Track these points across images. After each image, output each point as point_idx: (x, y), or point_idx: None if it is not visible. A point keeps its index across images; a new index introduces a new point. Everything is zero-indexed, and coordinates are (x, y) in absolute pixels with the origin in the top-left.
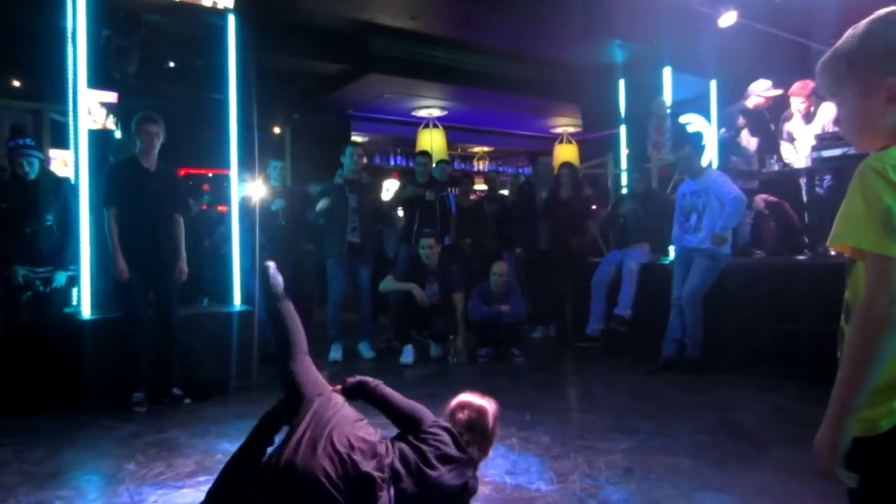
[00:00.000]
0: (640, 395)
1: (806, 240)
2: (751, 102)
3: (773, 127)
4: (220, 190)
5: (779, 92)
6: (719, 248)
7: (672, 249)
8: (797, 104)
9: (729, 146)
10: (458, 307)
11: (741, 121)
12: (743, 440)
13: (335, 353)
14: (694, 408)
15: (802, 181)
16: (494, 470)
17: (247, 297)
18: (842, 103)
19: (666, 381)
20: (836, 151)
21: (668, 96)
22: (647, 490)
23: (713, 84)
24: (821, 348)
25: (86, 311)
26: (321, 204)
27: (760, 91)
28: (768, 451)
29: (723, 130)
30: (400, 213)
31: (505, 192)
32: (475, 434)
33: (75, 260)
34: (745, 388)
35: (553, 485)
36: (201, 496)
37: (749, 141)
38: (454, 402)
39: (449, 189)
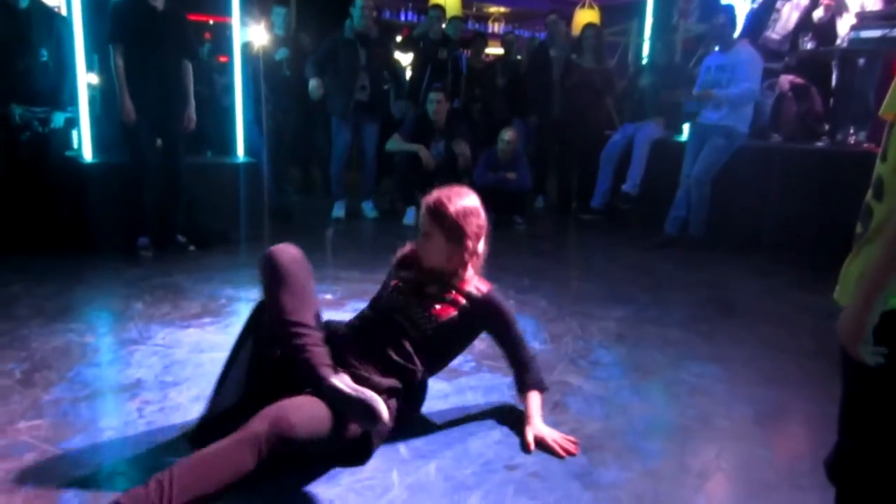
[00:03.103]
0: (639, 268)
1: (826, 126)
2: None
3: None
4: (221, 40)
5: None
6: (735, 126)
7: (687, 127)
8: None
9: (762, 21)
10: (464, 160)
11: None
12: (734, 317)
13: (338, 211)
14: (690, 284)
15: (835, 63)
16: None
17: (250, 150)
18: None
19: (665, 256)
20: (876, 33)
21: None
22: (637, 356)
23: None
24: (824, 236)
25: (87, 155)
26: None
27: None
28: (757, 328)
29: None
30: (409, 71)
31: (520, 57)
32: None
33: (73, 101)
34: (742, 269)
35: (547, 344)
36: (207, 336)
37: (790, 17)
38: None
39: (462, 50)
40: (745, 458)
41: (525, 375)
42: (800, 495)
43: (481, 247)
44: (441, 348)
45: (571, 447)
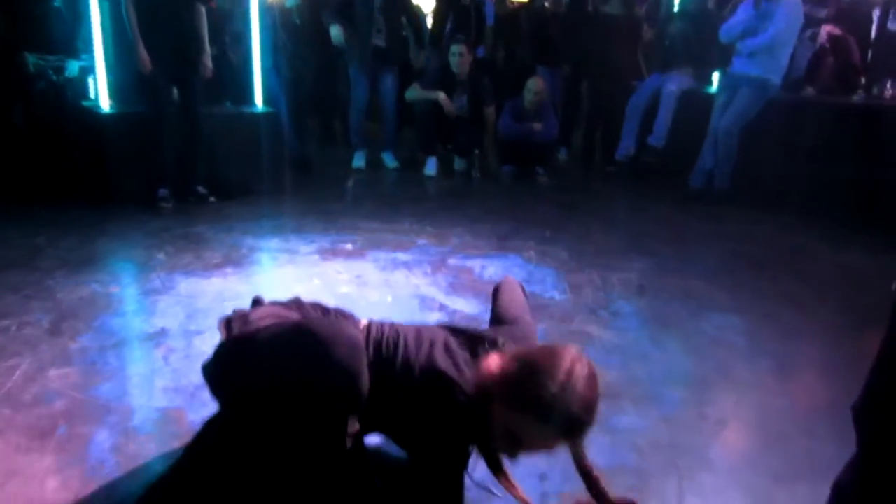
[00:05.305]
0: (662, 221)
1: (863, 80)
2: None
3: None
4: None
5: None
6: (768, 77)
7: (717, 77)
8: None
9: None
10: (488, 121)
11: None
12: (757, 271)
13: (358, 161)
14: (714, 237)
15: (875, 12)
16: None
17: (268, 98)
18: None
19: (690, 210)
20: None
21: None
22: (657, 307)
23: None
24: (855, 192)
25: (104, 105)
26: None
27: None
28: (781, 283)
29: None
30: (430, 19)
31: (546, 4)
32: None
33: (88, 49)
34: (769, 224)
35: (566, 295)
36: (229, 285)
37: None
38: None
39: None
40: (762, 408)
41: None
42: (816, 444)
43: None
44: None
45: None
